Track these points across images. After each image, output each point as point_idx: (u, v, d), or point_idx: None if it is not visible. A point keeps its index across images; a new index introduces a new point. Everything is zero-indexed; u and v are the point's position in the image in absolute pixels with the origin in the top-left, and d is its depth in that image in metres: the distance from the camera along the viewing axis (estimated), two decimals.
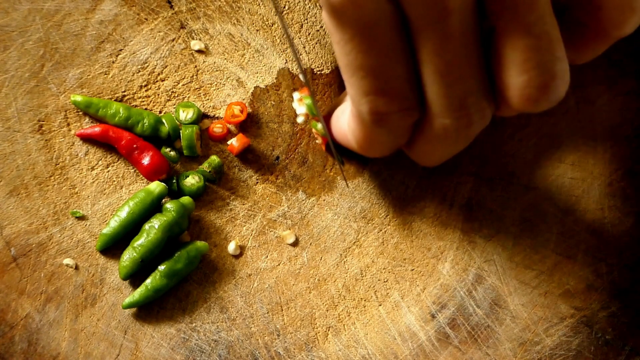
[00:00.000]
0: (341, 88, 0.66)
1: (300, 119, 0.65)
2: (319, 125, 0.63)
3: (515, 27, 0.46)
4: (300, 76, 0.65)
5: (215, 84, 0.66)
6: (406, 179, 0.66)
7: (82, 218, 0.64)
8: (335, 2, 0.45)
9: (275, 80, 0.66)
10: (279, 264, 0.65)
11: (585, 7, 0.49)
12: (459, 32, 0.45)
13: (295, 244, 0.65)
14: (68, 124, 0.65)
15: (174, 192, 0.65)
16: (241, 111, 0.65)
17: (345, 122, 0.56)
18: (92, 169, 0.65)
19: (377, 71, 0.47)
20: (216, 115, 0.66)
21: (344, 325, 0.64)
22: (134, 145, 0.64)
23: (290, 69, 0.66)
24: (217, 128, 0.65)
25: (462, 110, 0.49)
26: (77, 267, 0.64)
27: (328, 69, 0.66)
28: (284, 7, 0.66)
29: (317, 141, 0.66)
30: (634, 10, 0.49)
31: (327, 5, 0.46)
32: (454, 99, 0.48)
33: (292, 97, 0.65)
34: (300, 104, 0.64)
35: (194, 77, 0.66)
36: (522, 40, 0.46)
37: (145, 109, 0.65)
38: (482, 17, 0.47)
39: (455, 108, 0.48)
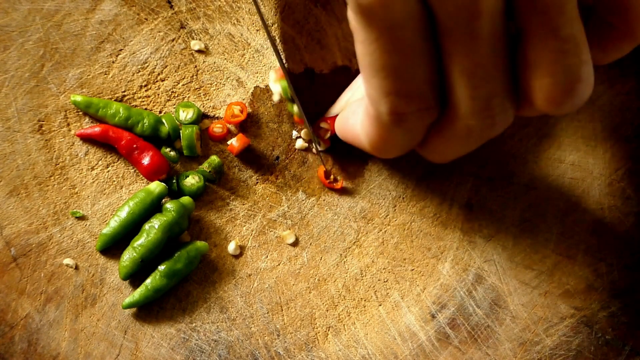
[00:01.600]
0: (341, 88, 0.66)
1: (275, 97, 0.65)
2: (295, 108, 0.64)
3: (544, 29, 0.46)
4: (276, 57, 0.65)
5: (215, 84, 0.66)
6: (406, 179, 0.66)
7: (82, 218, 0.64)
8: (364, 1, 0.45)
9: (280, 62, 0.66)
10: (279, 264, 0.65)
11: (612, 8, 0.49)
12: (488, 33, 0.46)
13: (295, 244, 0.65)
14: (68, 124, 0.65)
15: (174, 192, 0.65)
16: (241, 111, 0.65)
17: (357, 122, 0.56)
18: (92, 169, 0.65)
19: (400, 72, 0.47)
20: (216, 115, 0.66)
21: (344, 325, 0.64)
22: (134, 145, 0.64)
23: (290, 69, 0.66)
24: (217, 128, 0.65)
25: (487, 111, 0.49)
26: (77, 267, 0.64)
27: (328, 69, 0.66)
28: (284, 7, 0.66)
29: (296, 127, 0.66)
30: None
31: (354, 4, 0.46)
32: (481, 100, 0.48)
33: (268, 76, 0.66)
34: (276, 83, 0.65)
35: (194, 77, 0.66)
36: (550, 42, 0.46)
37: (145, 109, 0.65)
38: (509, 19, 0.47)
39: (481, 109, 0.49)
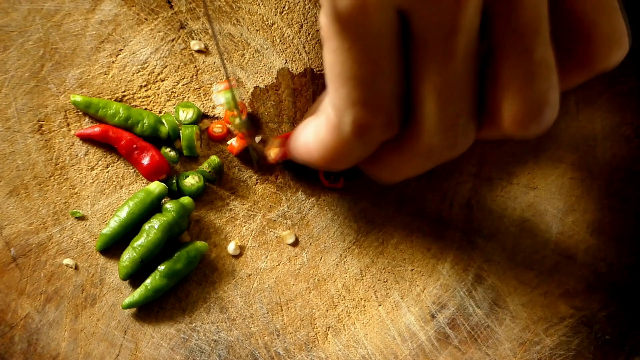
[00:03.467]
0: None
1: (218, 109, 0.65)
2: (237, 121, 0.64)
3: (517, 50, 0.45)
4: (222, 69, 0.65)
5: (215, 84, 0.66)
6: (406, 179, 0.66)
7: (82, 218, 0.64)
8: (343, 8, 0.44)
9: (275, 80, 0.66)
10: (278, 264, 0.65)
11: (573, 37, 0.48)
12: (463, 51, 0.45)
13: (295, 244, 0.65)
14: (68, 124, 0.65)
15: (174, 192, 0.65)
16: (241, 111, 0.65)
17: (310, 133, 0.54)
18: (92, 169, 0.65)
19: (370, 83, 0.47)
20: (216, 115, 0.66)
21: (343, 325, 0.64)
22: (134, 146, 0.64)
23: (290, 69, 0.66)
24: (216, 128, 0.65)
25: (452, 130, 0.48)
26: (77, 267, 0.64)
27: None
28: (284, 7, 0.66)
29: (230, 142, 0.65)
30: (621, 45, 0.49)
31: (331, 11, 0.45)
32: (447, 118, 0.47)
33: (213, 90, 0.66)
34: (220, 95, 0.65)
35: (194, 77, 0.66)
36: (522, 64, 0.46)
37: (145, 109, 0.65)
38: (481, 37, 0.47)
39: (446, 128, 0.48)
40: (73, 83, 0.65)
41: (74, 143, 0.65)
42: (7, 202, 0.64)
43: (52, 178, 0.64)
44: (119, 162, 0.65)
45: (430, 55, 0.45)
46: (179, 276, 0.63)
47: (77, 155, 0.65)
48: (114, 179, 0.65)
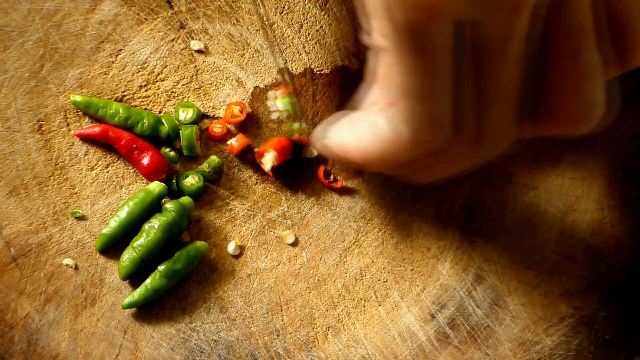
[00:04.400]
0: (341, 88, 0.66)
1: (274, 115, 0.65)
2: (295, 125, 0.63)
3: (568, 53, 0.46)
4: (279, 76, 0.65)
5: (215, 84, 0.66)
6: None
7: (81, 218, 0.64)
8: (404, 20, 0.43)
9: (275, 81, 0.66)
10: (278, 264, 0.65)
11: (611, 35, 0.49)
12: (515, 56, 0.46)
13: (295, 244, 0.65)
14: (68, 124, 0.65)
15: (174, 192, 0.65)
16: (241, 111, 0.65)
17: (350, 134, 0.53)
18: (92, 169, 0.65)
19: (429, 96, 0.46)
20: (216, 115, 0.66)
21: (343, 325, 0.64)
22: (134, 145, 0.64)
23: (290, 69, 0.66)
24: (216, 128, 0.65)
25: (500, 131, 0.48)
26: (76, 267, 0.64)
27: (328, 69, 0.66)
28: (284, 7, 0.66)
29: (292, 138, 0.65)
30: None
31: (391, 23, 0.44)
32: (497, 120, 0.48)
33: (267, 96, 0.66)
34: (277, 101, 0.65)
35: (194, 77, 0.66)
36: (573, 66, 0.46)
37: (145, 109, 0.65)
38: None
39: (495, 130, 0.48)
40: (73, 83, 0.65)
41: (73, 143, 0.65)
42: (7, 202, 0.64)
43: (52, 178, 0.64)
44: (119, 162, 0.65)
45: (486, 62, 0.45)
46: (179, 276, 0.63)
47: (77, 155, 0.65)
48: (114, 179, 0.65)
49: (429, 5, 0.43)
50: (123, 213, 0.63)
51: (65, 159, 0.65)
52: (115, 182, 0.65)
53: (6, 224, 0.64)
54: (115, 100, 0.65)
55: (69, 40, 0.65)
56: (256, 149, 0.65)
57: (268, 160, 0.64)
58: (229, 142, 0.65)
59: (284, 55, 0.66)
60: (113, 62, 0.65)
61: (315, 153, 0.65)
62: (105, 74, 0.65)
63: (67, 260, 0.64)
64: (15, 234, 0.64)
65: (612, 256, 0.65)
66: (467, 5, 0.43)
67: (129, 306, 0.63)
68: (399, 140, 0.48)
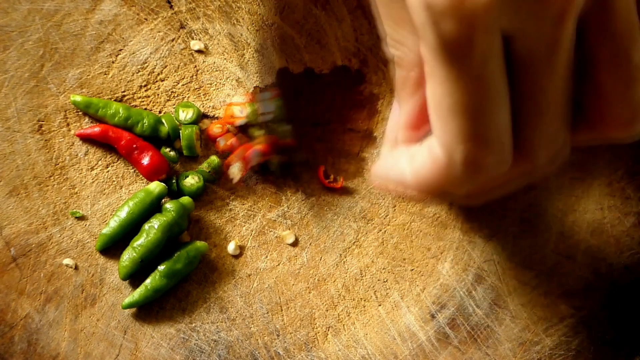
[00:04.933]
0: (341, 88, 0.66)
1: (239, 122, 0.65)
2: (280, 127, 0.64)
3: (616, 56, 0.45)
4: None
5: (215, 84, 0.66)
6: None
7: (81, 218, 0.64)
8: (449, 34, 0.42)
9: (275, 80, 0.66)
10: (278, 264, 0.65)
11: (592, 93, 0.48)
12: (563, 65, 0.44)
13: (295, 244, 0.65)
14: (68, 124, 0.65)
15: (174, 192, 0.65)
16: (241, 111, 0.65)
17: (404, 165, 0.51)
18: (92, 169, 0.65)
19: (482, 114, 0.44)
20: (216, 115, 0.66)
21: (343, 325, 0.64)
22: (134, 145, 0.64)
23: (290, 69, 0.66)
24: (216, 128, 0.65)
25: (555, 146, 0.47)
26: (76, 267, 0.64)
27: (328, 69, 0.66)
28: (284, 7, 0.66)
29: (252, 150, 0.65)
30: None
31: (436, 39, 0.42)
32: (552, 134, 0.46)
33: (259, 97, 0.66)
34: (242, 107, 0.65)
35: (194, 77, 0.66)
36: (623, 69, 0.45)
37: (145, 109, 0.65)
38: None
39: (550, 144, 0.47)
40: (73, 83, 0.65)
41: (73, 143, 0.65)
42: (7, 202, 0.64)
43: (52, 178, 0.64)
44: (119, 162, 0.65)
45: (534, 74, 0.44)
46: (179, 276, 0.63)
47: (77, 155, 0.65)
48: (114, 179, 0.65)
49: (475, 15, 0.41)
50: (123, 213, 0.63)
51: (65, 159, 0.65)
52: (115, 182, 0.65)
53: (6, 224, 0.64)
54: (115, 100, 0.65)
55: (69, 40, 0.65)
56: (224, 161, 0.65)
57: (234, 172, 0.64)
58: (217, 140, 0.65)
59: (277, 55, 0.66)
60: (113, 62, 0.65)
61: (237, 176, 0.65)
62: (105, 74, 0.65)
63: (67, 260, 0.64)
64: (15, 234, 0.64)
65: (612, 256, 0.65)
66: (513, 15, 0.42)
67: (129, 306, 0.63)
68: (454, 165, 0.45)
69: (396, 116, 0.55)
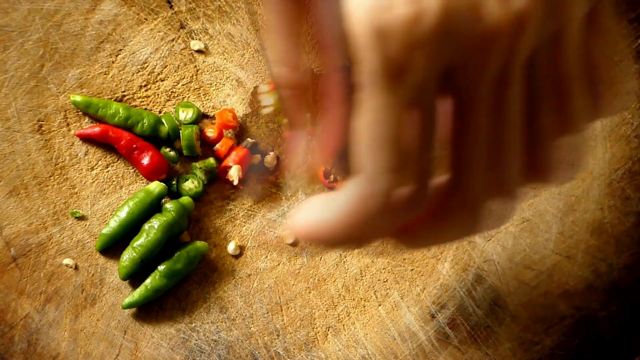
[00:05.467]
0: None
1: (266, 110, 0.65)
2: (285, 121, 0.64)
3: (558, 98, 0.44)
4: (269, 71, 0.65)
5: (215, 84, 0.66)
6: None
7: (81, 218, 0.64)
8: (396, 56, 0.40)
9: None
10: (278, 264, 0.65)
11: (590, 84, 0.47)
12: (512, 102, 0.43)
13: (294, 244, 0.65)
14: (68, 124, 0.65)
15: (174, 192, 0.65)
16: (233, 117, 0.65)
17: (322, 208, 0.48)
18: (92, 169, 0.65)
19: (411, 145, 0.42)
20: (216, 115, 0.66)
21: (343, 325, 0.64)
22: (134, 145, 0.64)
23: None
24: (209, 133, 0.65)
25: (503, 186, 0.45)
26: (76, 267, 0.64)
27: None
28: None
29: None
30: (629, 101, 0.48)
31: (381, 61, 0.41)
32: (500, 175, 0.44)
33: (258, 89, 0.66)
34: (268, 96, 0.65)
35: (194, 77, 0.66)
36: (563, 112, 0.44)
37: (145, 109, 0.65)
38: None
39: (498, 185, 0.44)
40: (73, 83, 0.65)
41: (73, 143, 0.65)
42: (7, 202, 0.64)
43: (52, 178, 0.64)
44: (119, 162, 0.65)
45: (479, 111, 0.42)
46: (179, 276, 0.63)
47: (77, 155, 0.65)
48: (114, 179, 0.65)
49: (422, 42, 0.40)
50: (123, 213, 0.63)
51: (65, 159, 0.65)
52: (115, 182, 0.65)
53: (6, 224, 0.64)
54: (115, 100, 0.65)
55: (69, 40, 0.65)
56: (220, 165, 0.65)
57: (234, 175, 0.64)
58: (216, 147, 0.65)
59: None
60: (113, 62, 0.65)
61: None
62: (105, 74, 0.65)
63: (67, 260, 0.64)
64: (15, 234, 0.64)
65: (612, 256, 0.65)
66: (459, 48, 0.41)
67: (129, 306, 0.63)
68: (374, 197, 0.44)
69: (301, 143, 0.54)
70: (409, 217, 0.45)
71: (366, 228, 0.45)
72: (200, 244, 0.64)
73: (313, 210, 0.48)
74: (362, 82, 0.42)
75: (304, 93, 0.50)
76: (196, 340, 0.63)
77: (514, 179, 0.45)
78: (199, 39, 0.66)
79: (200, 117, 0.66)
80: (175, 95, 0.66)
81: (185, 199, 0.64)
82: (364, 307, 0.65)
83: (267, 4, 0.49)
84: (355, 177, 0.45)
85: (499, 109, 0.43)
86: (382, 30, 0.40)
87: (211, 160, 0.65)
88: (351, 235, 0.46)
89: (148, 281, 0.63)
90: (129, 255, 0.63)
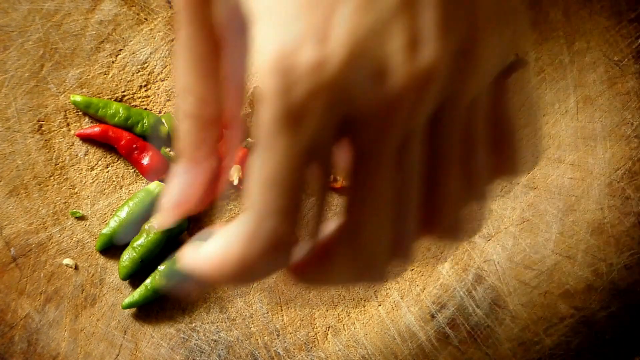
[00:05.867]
0: None
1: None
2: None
3: (457, 159, 0.43)
4: None
5: None
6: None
7: (81, 218, 0.64)
8: (296, 101, 0.39)
9: None
10: None
11: (495, 146, 0.47)
12: (412, 160, 0.42)
13: None
14: (68, 124, 0.65)
15: None
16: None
17: (212, 245, 0.47)
18: (92, 169, 0.65)
19: (297, 192, 0.42)
20: None
21: (343, 325, 0.64)
22: (134, 145, 0.64)
23: None
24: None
25: (401, 243, 0.45)
26: (76, 267, 0.64)
27: None
28: None
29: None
30: (536, 160, 0.49)
31: (281, 103, 0.40)
32: (397, 229, 0.44)
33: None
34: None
35: None
36: (461, 172, 0.44)
37: (145, 109, 0.65)
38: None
39: (393, 238, 0.44)
40: (73, 83, 0.65)
41: (73, 143, 0.65)
42: (7, 202, 0.64)
43: (52, 178, 0.64)
44: (119, 162, 0.65)
45: (376, 167, 0.42)
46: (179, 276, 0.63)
47: (77, 155, 0.65)
48: (114, 179, 0.65)
49: (315, 92, 0.39)
50: (123, 213, 0.63)
51: (65, 159, 0.65)
52: (115, 182, 0.65)
53: (6, 224, 0.64)
54: (115, 100, 0.65)
55: (69, 40, 0.65)
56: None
57: (234, 175, 0.64)
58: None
59: None
60: (113, 62, 0.65)
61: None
62: (105, 74, 0.65)
63: (67, 260, 0.64)
64: (15, 234, 0.64)
65: (612, 256, 0.65)
66: (357, 103, 0.40)
67: (129, 306, 0.63)
68: (261, 236, 0.43)
69: (184, 182, 0.52)
70: (295, 259, 0.45)
71: (254, 267, 0.44)
72: None
73: (202, 246, 0.47)
74: (261, 123, 0.42)
75: (206, 128, 0.49)
76: (196, 340, 0.64)
77: (409, 237, 0.44)
78: None
79: None
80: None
81: None
82: (364, 307, 0.65)
83: (178, 34, 0.48)
84: (246, 213, 0.44)
85: (398, 168, 0.42)
86: (285, 74, 0.40)
87: None
88: (240, 274, 0.45)
89: (148, 281, 0.63)
90: (129, 255, 0.63)
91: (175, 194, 0.53)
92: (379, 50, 0.39)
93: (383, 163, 0.42)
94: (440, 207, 0.45)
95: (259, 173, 0.43)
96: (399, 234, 0.44)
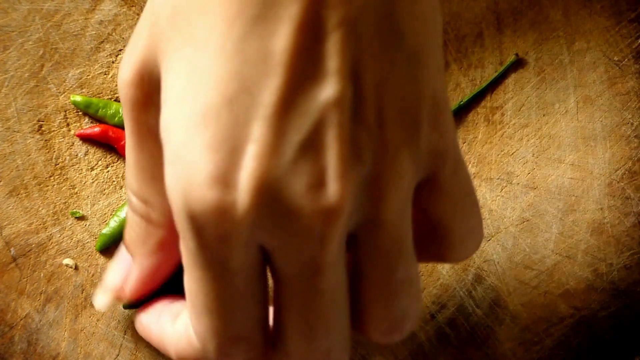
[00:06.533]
0: None
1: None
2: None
3: (380, 272, 0.44)
4: None
5: None
6: None
7: (81, 218, 0.64)
8: (210, 244, 0.41)
9: None
10: None
11: (429, 237, 0.48)
12: (329, 285, 0.43)
13: None
14: (68, 124, 0.65)
15: None
16: None
17: (172, 326, 0.51)
18: (92, 169, 0.65)
19: (232, 315, 0.44)
20: None
21: None
22: None
23: None
24: None
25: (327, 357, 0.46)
26: (76, 267, 0.64)
27: None
28: None
29: None
30: (475, 241, 0.50)
31: (195, 242, 0.41)
32: (319, 353, 0.45)
33: None
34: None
35: None
36: (385, 285, 0.45)
37: None
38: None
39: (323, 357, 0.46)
40: (73, 83, 0.65)
41: (73, 143, 0.65)
42: (7, 202, 0.64)
43: (52, 178, 0.64)
44: (119, 162, 0.65)
45: (296, 292, 0.43)
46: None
47: (77, 155, 0.65)
48: (114, 179, 0.65)
49: (232, 231, 0.40)
50: (123, 213, 0.63)
51: (65, 159, 0.65)
52: (115, 182, 0.65)
53: (6, 224, 0.64)
54: (115, 100, 0.65)
55: (69, 40, 0.65)
56: None
57: None
58: None
59: None
60: (113, 62, 0.65)
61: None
62: (105, 74, 0.65)
63: (67, 260, 0.64)
64: (15, 234, 0.64)
65: (612, 256, 0.65)
66: (272, 234, 0.41)
67: (130, 306, 0.63)
68: (207, 355, 0.46)
69: (124, 267, 0.55)
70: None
71: None
72: None
73: (156, 319, 0.52)
74: (184, 257, 0.43)
75: (151, 228, 0.50)
76: None
77: (336, 351, 0.46)
78: None
79: None
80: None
81: None
82: None
83: (127, 141, 0.48)
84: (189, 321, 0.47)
85: (316, 294, 0.43)
86: (192, 219, 0.40)
87: None
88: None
89: None
90: None
91: (116, 277, 0.55)
92: (285, 191, 0.39)
93: (299, 290, 0.43)
94: (369, 318, 0.46)
95: (190, 301, 0.44)
96: (325, 348, 0.45)
